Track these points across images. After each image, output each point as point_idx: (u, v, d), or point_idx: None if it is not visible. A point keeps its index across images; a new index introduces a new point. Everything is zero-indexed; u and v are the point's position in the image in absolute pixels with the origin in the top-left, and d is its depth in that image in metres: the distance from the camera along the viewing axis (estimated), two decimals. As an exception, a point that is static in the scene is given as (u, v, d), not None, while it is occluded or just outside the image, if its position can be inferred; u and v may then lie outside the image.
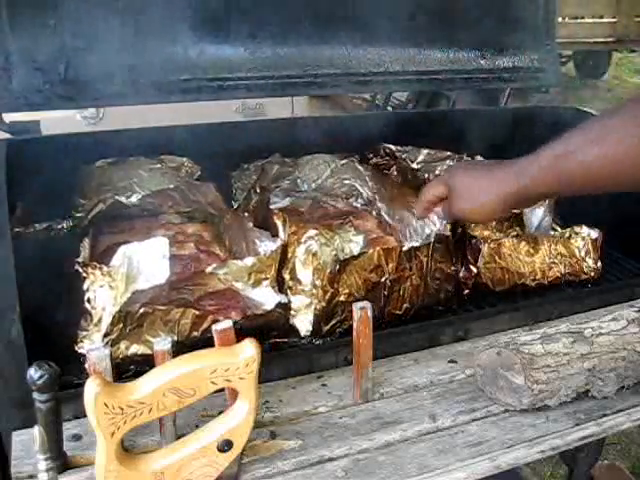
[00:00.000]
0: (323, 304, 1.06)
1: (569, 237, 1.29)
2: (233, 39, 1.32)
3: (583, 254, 1.28)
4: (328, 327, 1.07)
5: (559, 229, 1.36)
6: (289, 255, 1.10)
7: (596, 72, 8.55)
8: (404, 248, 1.11)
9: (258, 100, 2.91)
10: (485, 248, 1.21)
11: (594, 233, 1.28)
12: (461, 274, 1.22)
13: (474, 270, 1.22)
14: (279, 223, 1.15)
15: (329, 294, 1.06)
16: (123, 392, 0.68)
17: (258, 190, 1.32)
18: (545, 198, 0.93)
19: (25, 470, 0.79)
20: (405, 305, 1.14)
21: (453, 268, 1.20)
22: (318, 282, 1.06)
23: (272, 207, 1.24)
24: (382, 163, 1.54)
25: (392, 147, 1.57)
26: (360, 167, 1.46)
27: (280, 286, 1.07)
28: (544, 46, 1.64)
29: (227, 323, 0.78)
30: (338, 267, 1.06)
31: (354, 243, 1.09)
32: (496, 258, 1.22)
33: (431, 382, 0.99)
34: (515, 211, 1.27)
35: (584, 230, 1.29)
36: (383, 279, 1.10)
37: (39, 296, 0.95)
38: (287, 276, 1.09)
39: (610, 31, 6.89)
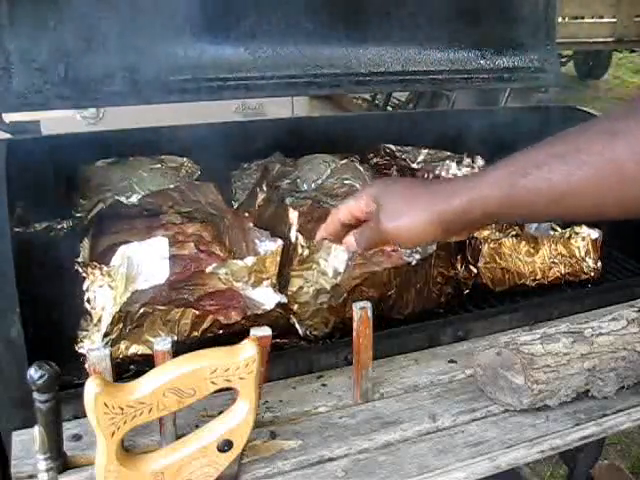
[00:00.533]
0: (327, 330, 1.06)
1: (569, 237, 1.29)
2: (233, 39, 1.32)
3: (583, 254, 1.28)
4: (329, 330, 1.07)
5: (559, 229, 1.36)
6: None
7: (596, 72, 8.55)
8: (412, 263, 1.10)
9: (258, 100, 2.91)
10: (485, 248, 1.21)
11: (594, 233, 1.28)
12: (461, 274, 1.22)
13: (474, 270, 1.22)
14: (294, 219, 1.14)
15: (332, 322, 1.06)
16: (123, 392, 0.68)
17: (265, 188, 1.32)
18: (491, 222, 0.78)
19: (25, 470, 0.79)
20: (407, 311, 1.14)
21: (454, 271, 1.19)
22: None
23: (287, 202, 1.23)
24: (382, 163, 1.54)
25: (392, 147, 1.57)
26: (360, 167, 1.45)
27: (281, 285, 1.07)
28: (544, 46, 1.64)
29: (266, 330, 0.79)
30: (345, 295, 1.04)
31: (336, 258, 1.06)
32: (496, 258, 1.22)
33: (431, 382, 0.99)
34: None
35: (584, 230, 1.29)
36: (389, 293, 1.10)
37: (39, 296, 0.95)
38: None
39: (610, 31, 6.88)
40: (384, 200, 0.77)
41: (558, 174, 0.64)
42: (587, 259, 1.28)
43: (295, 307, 1.05)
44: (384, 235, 0.77)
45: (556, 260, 1.26)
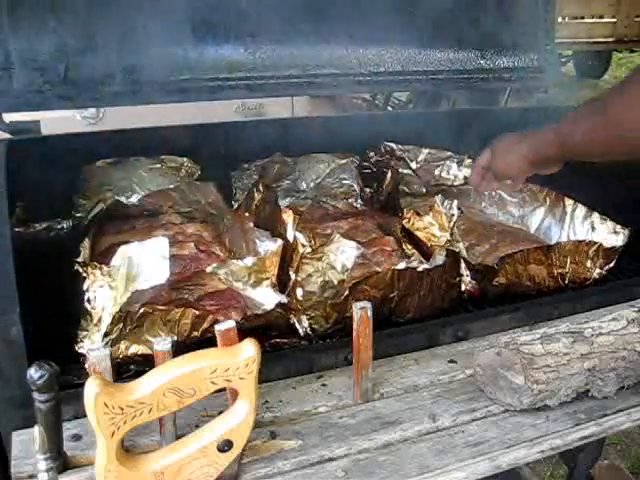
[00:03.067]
0: (327, 326, 1.06)
1: (576, 242, 1.25)
2: (233, 39, 1.31)
3: (592, 264, 1.25)
4: (329, 325, 1.07)
5: (564, 231, 1.35)
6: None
7: (596, 72, 8.54)
8: (418, 269, 1.09)
9: (258, 100, 2.91)
10: (501, 276, 1.18)
11: (607, 242, 1.26)
12: (469, 287, 1.20)
13: (482, 286, 1.20)
14: (289, 220, 1.14)
15: (334, 317, 1.06)
16: (123, 392, 0.68)
17: (261, 188, 1.32)
18: (555, 160, 1.12)
19: (25, 470, 0.79)
20: (408, 315, 1.13)
21: (458, 279, 1.18)
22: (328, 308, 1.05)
23: (282, 204, 1.23)
24: (381, 160, 1.54)
25: (393, 145, 1.57)
26: (356, 169, 1.46)
27: (282, 285, 1.07)
28: (544, 46, 1.64)
29: (230, 323, 0.78)
30: (347, 293, 1.04)
31: (344, 253, 1.06)
32: (509, 275, 1.19)
33: (431, 382, 0.99)
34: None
35: (597, 236, 1.28)
36: (392, 295, 1.09)
37: (39, 296, 0.95)
38: (293, 275, 1.08)
39: (610, 31, 6.88)
40: (494, 149, 1.19)
41: (580, 131, 0.99)
42: (595, 267, 1.24)
43: (300, 294, 1.05)
44: (494, 170, 1.20)
45: (561, 264, 1.23)
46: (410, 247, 1.22)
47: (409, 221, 1.26)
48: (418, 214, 1.26)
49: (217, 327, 0.77)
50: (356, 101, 4.70)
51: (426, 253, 1.19)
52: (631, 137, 0.91)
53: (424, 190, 1.48)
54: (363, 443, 0.86)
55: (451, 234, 1.23)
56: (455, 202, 1.25)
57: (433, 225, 1.24)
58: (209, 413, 0.88)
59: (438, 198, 1.26)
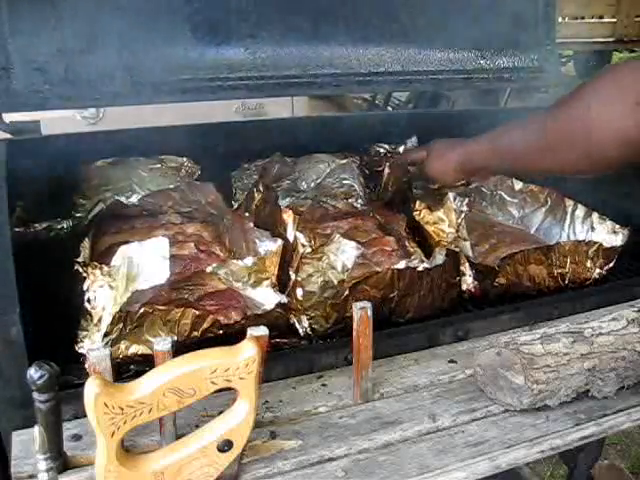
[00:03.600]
0: (327, 326, 1.06)
1: (575, 242, 1.25)
2: (233, 39, 1.31)
3: (592, 264, 1.25)
4: (329, 325, 1.07)
5: (564, 231, 1.35)
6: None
7: (596, 72, 8.53)
8: (418, 269, 1.08)
9: (258, 100, 2.91)
10: (501, 276, 1.18)
11: (607, 242, 1.25)
12: (471, 287, 1.19)
13: (483, 286, 1.19)
14: (289, 220, 1.14)
15: (334, 317, 1.06)
16: (123, 392, 0.68)
17: (261, 188, 1.32)
18: (487, 170, 1.20)
19: (25, 470, 0.79)
20: (408, 315, 1.13)
21: (458, 278, 1.18)
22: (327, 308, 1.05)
23: (282, 204, 1.23)
24: (382, 160, 1.54)
25: (393, 145, 1.57)
26: (357, 168, 1.46)
27: (282, 285, 1.07)
28: (544, 46, 1.64)
29: (263, 330, 0.78)
30: (347, 293, 1.04)
31: (345, 253, 1.06)
32: (509, 275, 1.18)
33: (431, 382, 0.99)
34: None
35: (597, 236, 1.27)
36: (392, 295, 1.09)
37: (39, 296, 0.95)
38: (293, 275, 1.08)
39: (610, 31, 6.87)
40: (430, 152, 1.27)
41: (515, 141, 1.03)
42: (592, 264, 1.25)
43: (300, 294, 1.04)
44: (428, 172, 1.28)
45: (561, 265, 1.23)
46: (413, 245, 1.22)
47: (420, 213, 1.26)
48: (429, 208, 1.26)
49: (250, 331, 0.78)
50: (356, 101, 4.70)
51: (432, 248, 1.19)
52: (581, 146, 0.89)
53: (429, 187, 1.48)
54: (363, 443, 0.86)
55: (457, 230, 1.23)
56: (467, 200, 1.24)
57: (443, 221, 1.24)
58: (209, 413, 0.88)
59: (451, 194, 1.26)
